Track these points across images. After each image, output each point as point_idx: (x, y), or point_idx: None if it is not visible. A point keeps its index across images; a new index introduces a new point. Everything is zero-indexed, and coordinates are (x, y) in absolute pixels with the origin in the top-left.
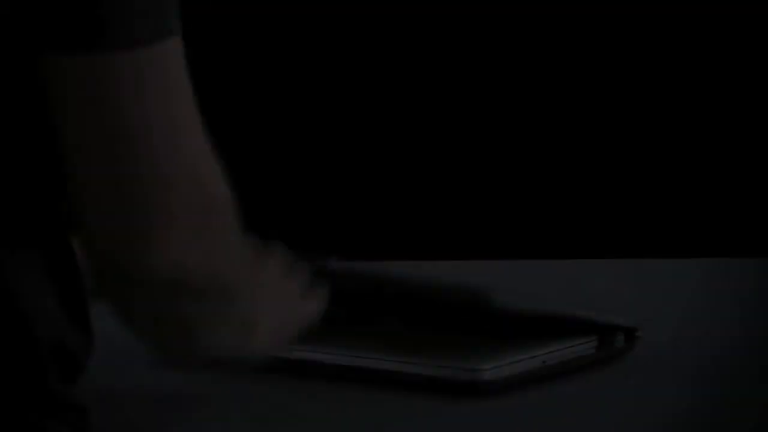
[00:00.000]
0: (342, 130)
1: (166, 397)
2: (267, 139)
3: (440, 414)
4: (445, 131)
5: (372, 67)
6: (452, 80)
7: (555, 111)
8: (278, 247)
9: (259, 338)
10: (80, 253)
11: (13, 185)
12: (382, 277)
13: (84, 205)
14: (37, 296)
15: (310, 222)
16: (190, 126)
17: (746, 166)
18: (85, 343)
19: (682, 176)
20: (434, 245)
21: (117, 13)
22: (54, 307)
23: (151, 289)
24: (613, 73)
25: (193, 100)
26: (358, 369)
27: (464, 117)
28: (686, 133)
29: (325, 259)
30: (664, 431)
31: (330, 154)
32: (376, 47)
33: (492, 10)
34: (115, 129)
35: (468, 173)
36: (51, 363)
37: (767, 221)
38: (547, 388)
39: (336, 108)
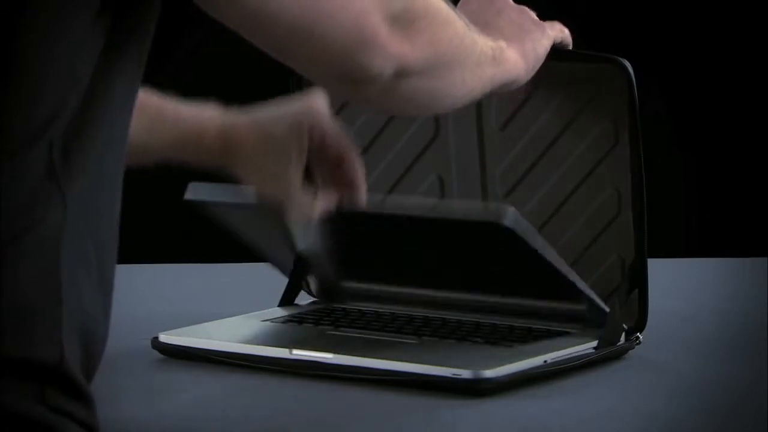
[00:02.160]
0: None
1: (163, 393)
2: None
3: (440, 414)
4: None
5: None
6: None
7: None
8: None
9: (511, 63)
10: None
11: None
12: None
13: (308, 51)
14: (82, 287)
15: None
16: None
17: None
18: (104, 340)
19: (681, 176)
20: None
21: None
22: (93, 300)
23: (384, 82)
24: None
25: None
26: (358, 369)
27: None
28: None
29: None
30: (663, 431)
31: None
32: None
33: None
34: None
35: None
36: (80, 353)
37: (766, 222)
38: (547, 388)
39: None
